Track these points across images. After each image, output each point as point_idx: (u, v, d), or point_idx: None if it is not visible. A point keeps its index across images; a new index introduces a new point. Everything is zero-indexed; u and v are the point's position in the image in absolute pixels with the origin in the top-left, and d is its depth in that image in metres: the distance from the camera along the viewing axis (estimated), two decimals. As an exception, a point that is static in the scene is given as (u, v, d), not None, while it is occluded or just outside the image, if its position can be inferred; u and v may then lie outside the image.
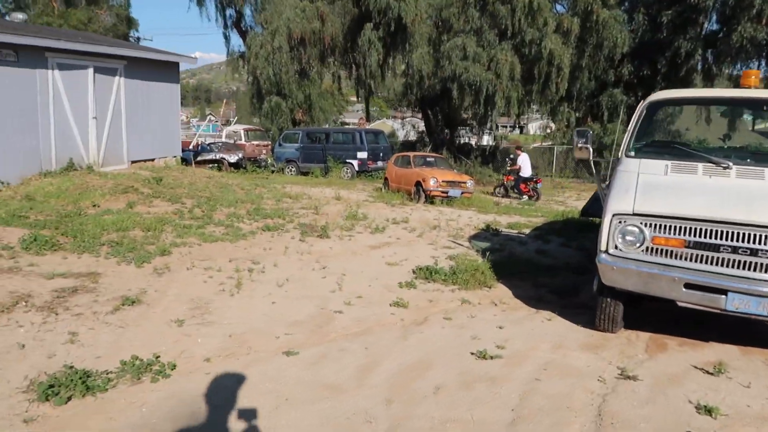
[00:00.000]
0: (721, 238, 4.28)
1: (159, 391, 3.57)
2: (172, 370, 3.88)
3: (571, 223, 11.10)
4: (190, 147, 22.87)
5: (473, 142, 32.05)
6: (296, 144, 22.27)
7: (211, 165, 19.82)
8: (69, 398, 3.40)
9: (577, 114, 23.20)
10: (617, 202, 4.67)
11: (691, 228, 4.36)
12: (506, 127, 63.02)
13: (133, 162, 14.53)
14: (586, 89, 21.94)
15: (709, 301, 4.35)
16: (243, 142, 24.25)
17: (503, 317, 5.45)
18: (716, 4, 19.97)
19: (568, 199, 18.07)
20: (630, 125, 5.30)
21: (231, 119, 36.76)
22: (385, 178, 16.83)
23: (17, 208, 8.68)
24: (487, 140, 32.94)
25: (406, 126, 32.30)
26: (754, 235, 4.18)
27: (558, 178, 24.51)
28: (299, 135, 22.60)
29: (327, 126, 27.85)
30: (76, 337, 4.29)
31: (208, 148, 21.31)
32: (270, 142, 25.12)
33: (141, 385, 3.65)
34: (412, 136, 32.09)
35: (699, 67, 21.98)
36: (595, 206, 7.41)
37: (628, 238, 4.59)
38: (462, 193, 14.67)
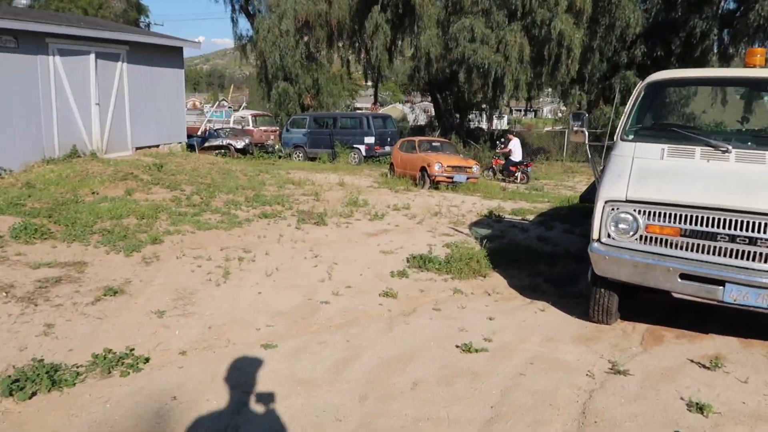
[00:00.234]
0: (718, 227, 4.07)
1: (127, 385, 3.48)
2: (144, 363, 3.78)
3: (577, 209, 10.84)
4: (199, 133, 22.80)
5: (485, 126, 31.69)
6: (304, 129, 22.12)
7: (218, 151, 19.73)
8: (34, 393, 3.31)
9: (589, 97, 22.70)
10: (610, 189, 4.47)
11: (687, 215, 4.15)
12: (520, 111, 62.45)
13: (137, 148, 14.49)
14: (597, 71, 21.44)
15: (706, 293, 4.16)
16: (251, 127, 24.12)
17: (495, 308, 5.29)
18: (733, -19, 19.38)
19: (578, 184, 17.73)
20: (626, 107, 5.06)
21: (244, 104, 36.57)
22: (391, 164, 16.64)
23: (16, 195, 8.65)
24: (498, 124, 32.56)
25: (415, 110, 31.95)
26: (753, 223, 3.96)
27: (569, 163, 24.09)
28: (307, 120, 22.45)
29: (336, 111, 27.60)
30: (52, 329, 4.21)
31: (216, 134, 21.21)
32: (278, 128, 24.99)
33: (110, 379, 3.55)
34: (424, 121, 31.79)
35: (715, 47, 21.36)
36: (594, 192, 7.19)
37: (621, 226, 4.40)
38: (467, 178, 14.43)
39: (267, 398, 3.39)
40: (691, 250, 4.18)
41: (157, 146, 15.29)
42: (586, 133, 5.27)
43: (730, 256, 4.06)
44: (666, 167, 4.46)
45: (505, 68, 19.41)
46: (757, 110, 7.06)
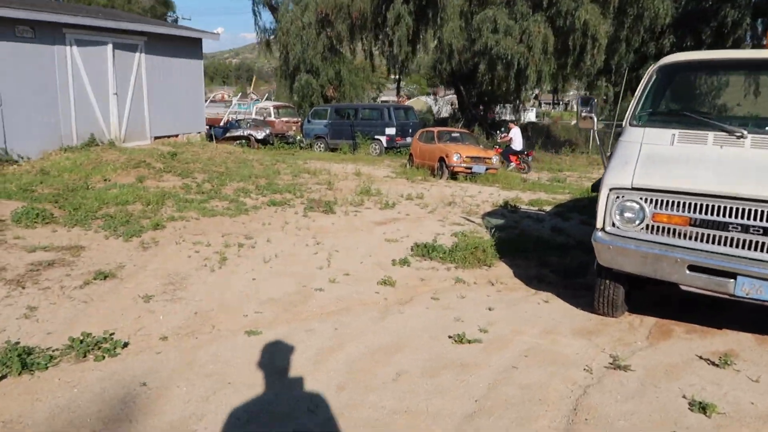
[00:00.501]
0: (730, 216, 3.78)
1: (100, 371, 3.37)
2: (122, 348, 3.68)
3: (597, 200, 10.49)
4: (221, 124, 22.89)
5: (510, 118, 31.18)
6: (325, 120, 22.02)
7: (238, 141, 19.75)
8: (3, 376, 3.23)
9: (615, 88, 22.06)
10: (615, 175, 4.20)
11: (696, 204, 3.87)
12: (549, 104, 61.47)
13: (156, 138, 14.55)
14: (625, 62, 20.77)
15: (716, 286, 3.87)
16: (272, 118, 24.11)
17: (496, 298, 5.07)
18: (767, -32, 18.56)
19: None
20: (637, 92, 4.77)
21: (266, 96, 36.65)
22: (410, 154, 16.41)
23: (28, 182, 8.72)
24: (525, 117, 32.02)
25: (439, 102, 31.59)
26: None
27: (595, 155, 23.49)
28: (328, 111, 22.35)
29: (358, 103, 27.44)
30: (34, 312, 4.14)
31: (237, 124, 21.24)
32: (300, 119, 24.94)
33: (84, 363, 3.46)
34: (449, 113, 31.41)
35: (747, 37, 20.49)
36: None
37: (626, 214, 4.14)
38: (487, 169, 14.12)
39: (240, 387, 3.24)
40: (701, 241, 3.91)
41: (176, 136, 15.34)
42: (595, 119, 4.99)
43: (743, 247, 3.77)
44: (676, 153, 4.17)
45: (528, 59, 18.95)
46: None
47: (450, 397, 3.24)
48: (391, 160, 18.38)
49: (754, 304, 3.96)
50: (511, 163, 16.93)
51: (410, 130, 20.65)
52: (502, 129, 19.06)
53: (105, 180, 9.25)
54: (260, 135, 20.26)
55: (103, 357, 3.53)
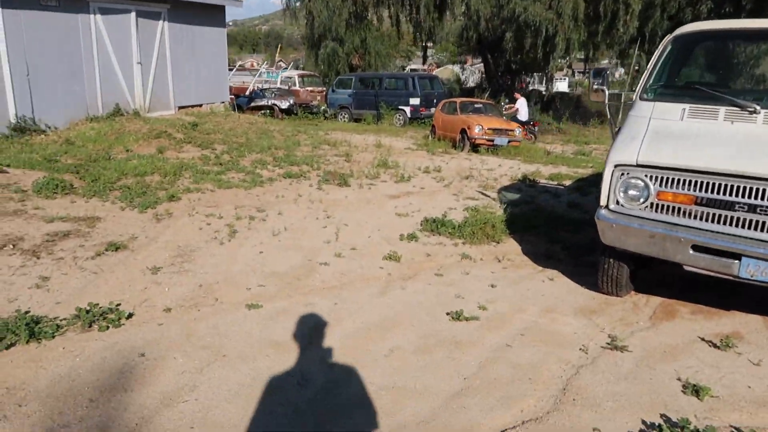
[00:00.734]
0: (736, 195, 3.67)
1: (103, 341, 3.50)
2: (127, 319, 3.80)
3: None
4: (246, 93, 22.95)
5: (542, 88, 30.52)
6: (349, 90, 21.90)
7: (263, 111, 19.81)
8: (12, 344, 3.37)
9: (649, 57, 21.33)
10: (620, 152, 4.11)
11: (701, 182, 3.77)
12: (582, 73, 59.84)
13: (180, 108, 14.70)
14: (659, 29, 20.03)
15: (720, 266, 3.79)
16: (297, 88, 24.08)
17: (501, 275, 5.06)
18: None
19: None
20: (650, 64, 4.61)
21: (292, 65, 36.52)
22: (432, 126, 16.25)
23: (53, 152, 8.93)
24: (557, 87, 31.32)
25: (466, 71, 31.05)
26: None
27: (625, 127, 22.91)
28: (352, 80, 22.20)
29: (383, 72, 27.17)
30: (46, 282, 4.29)
31: (261, 94, 21.27)
32: (324, 88, 24.85)
33: (89, 333, 3.59)
34: (476, 82, 30.91)
35: (793, 2, 19.48)
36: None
37: (630, 192, 4.05)
38: (509, 141, 13.92)
39: (233, 360, 3.33)
40: (706, 220, 3.81)
41: (200, 106, 15.46)
42: (607, 93, 4.87)
43: (749, 228, 3.67)
44: (684, 129, 4.05)
45: (557, 26, 18.45)
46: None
47: (439, 375, 3.28)
48: (415, 131, 18.23)
49: (759, 286, 3.88)
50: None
51: (435, 101, 20.38)
52: (507, 100, 18.78)
53: (127, 151, 9.42)
54: (284, 105, 20.27)
55: (107, 327, 3.65)
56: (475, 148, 13.72)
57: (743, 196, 3.65)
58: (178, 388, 3.00)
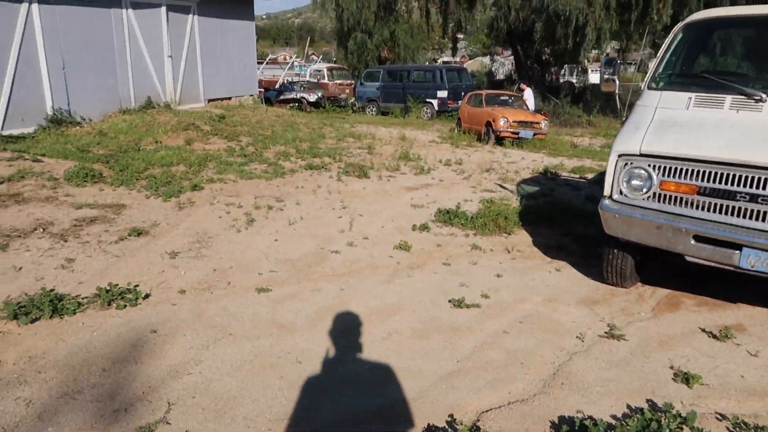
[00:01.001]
0: (738, 185, 3.68)
1: (119, 318, 3.72)
2: (143, 299, 4.02)
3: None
4: (276, 86, 23.29)
5: (574, 80, 30.09)
6: (377, 83, 22.00)
7: (291, 104, 20.09)
8: (37, 318, 3.63)
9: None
10: (624, 141, 4.14)
11: (704, 172, 3.78)
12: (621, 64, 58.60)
13: (210, 100, 15.07)
14: (695, 19, 19.54)
15: (721, 257, 3.81)
16: (326, 81, 24.30)
17: (508, 266, 5.14)
18: None
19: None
20: (659, 53, 4.61)
21: (321, 58, 36.81)
22: (459, 119, 16.27)
23: (86, 143, 9.30)
24: (587, 79, 30.84)
25: (496, 63, 30.82)
26: None
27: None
28: (380, 73, 22.29)
29: (412, 64, 27.17)
30: (71, 263, 4.56)
31: (290, 87, 21.56)
32: (353, 81, 25.01)
33: (107, 311, 3.82)
34: (506, 74, 30.65)
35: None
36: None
37: (633, 182, 4.09)
38: (535, 134, 13.86)
39: (239, 338, 3.52)
40: (708, 210, 3.83)
41: (229, 98, 15.81)
42: (617, 82, 4.89)
43: (750, 218, 3.68)
44: (689, 118, 4.06)
45: (587, 15, 18.17)
46: None
47: (434, 358, 3.40)
48: (442, 124, 18.27)
49: (762, 277, 3.88)
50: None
51: (463, 93, 20.34)
52: (515, 88, 18.67)
53: (156, 142, 9.74)
54: (312, 98, 20.51)
55: (125, 306, 3.88)
56: (500, 140, 13.70)
57: (744, 186, 3.66)
58: (184, 362, 3.20)
